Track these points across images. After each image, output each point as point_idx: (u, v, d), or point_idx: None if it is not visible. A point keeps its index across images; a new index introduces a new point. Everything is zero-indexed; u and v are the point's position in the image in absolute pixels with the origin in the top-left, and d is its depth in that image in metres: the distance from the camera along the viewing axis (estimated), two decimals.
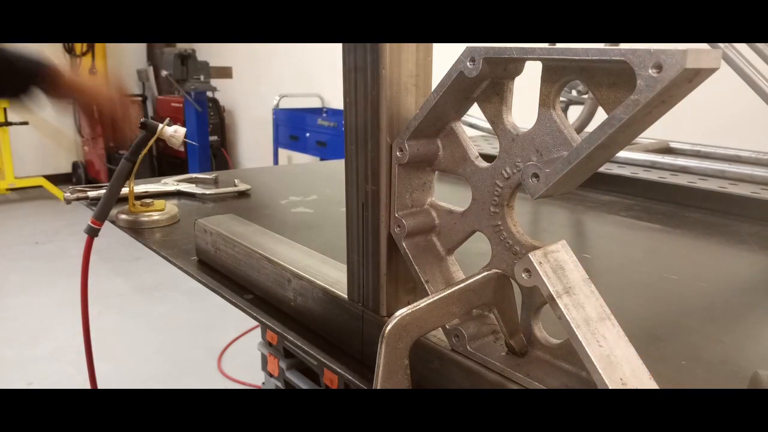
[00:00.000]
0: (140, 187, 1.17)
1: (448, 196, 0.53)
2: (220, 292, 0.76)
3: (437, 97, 0.47)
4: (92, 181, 5.98)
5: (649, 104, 0.34)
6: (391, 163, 0.52)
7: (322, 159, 3.91)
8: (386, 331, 0.43)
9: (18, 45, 0.82)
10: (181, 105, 4.77)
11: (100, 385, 1.16)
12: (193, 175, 1.28)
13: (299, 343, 0.64)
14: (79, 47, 6.04)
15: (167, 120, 0.98)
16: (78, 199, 1.11)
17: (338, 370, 0.59)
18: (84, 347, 1.08)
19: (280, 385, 1.60)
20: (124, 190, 0.97)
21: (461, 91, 0.47)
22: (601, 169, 1.11)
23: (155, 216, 1.01)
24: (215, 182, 1.25)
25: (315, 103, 4.56)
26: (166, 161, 5.77)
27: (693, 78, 0.34)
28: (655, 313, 0.66)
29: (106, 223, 0.98)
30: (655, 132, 0.68)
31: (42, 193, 5.70)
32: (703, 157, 1.30)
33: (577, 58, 0.38)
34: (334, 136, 3.85)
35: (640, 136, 0.55)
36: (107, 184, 0.97)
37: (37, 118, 6.03)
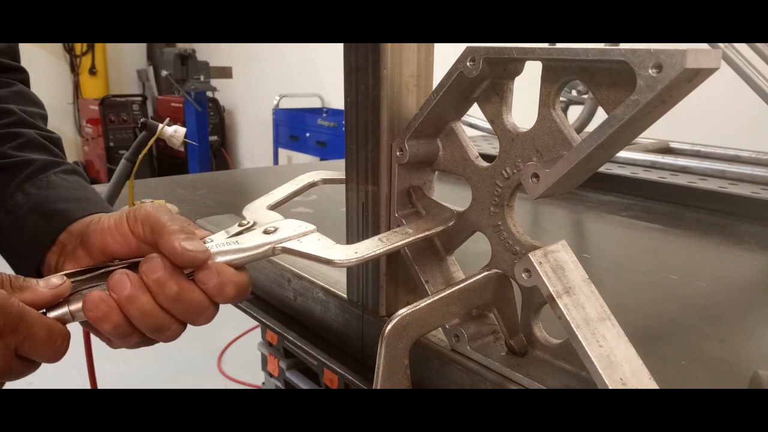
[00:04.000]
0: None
1: (448, 196, 0.53)
2: None
3: (437, 97, 0.47)
4: (92, 181, 5.97)
5: (649, 104, 0.34)
6: (392, 163, 0.52)
7: (322, 159, 3.90)
8: (386, 331, 0.43)
9: None
10: (181, 105, 4.77)
11: (100, 385, 1.16)
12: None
13: (299, 343, 0.64)
14: (79, 47, 6.04)
15: (167, 120, 0.98)
16: None
17: (338, 370, 0.59)
18: (84, 347, 1.08)
19: (280, 385, 1.60)
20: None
21: (461, 91, 0.47)
22: (601, 169, 1.11)
23: None
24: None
25: (315, 103, 4.56)
26: (166, 161, 5.77)
27: (693, 78, 0.34)
28: (655, 313, 0.66)
29: None
30: (655, 132, 0.68)
31: None
32: (703, 157, 1.30)
33: (577, 58, 0.38)
34: (334, 136, 3.84)
35: (640, 136, 0.55)
36: (107, 184, 0.97)
37: None
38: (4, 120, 0.65)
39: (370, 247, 0.47)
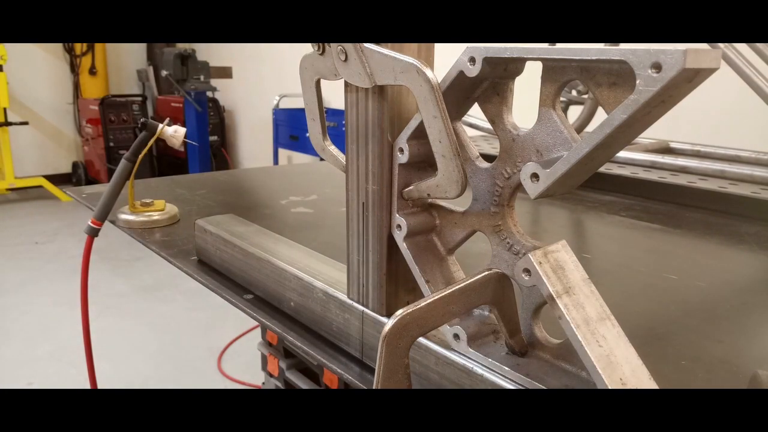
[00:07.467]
0: None
1: None
2: (220, 292, 0.76)
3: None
4: (92, 181, 5.98)
5: (649, 104, 0.34)
6: (392, 163, 0.52)
7: (322, 159, 3.90)
8: (386, 331, 0.43)
9: None
10: (181, 105, 4.78)
11: (100, 385, 1.16)
12: None
13: (299, 343, 0.64)
14: (79, 47, 6.04)
15: (167, 120, 0.98)
16: None
17: (338, 370, 0.59)
18: (84, 347, 1.08)
19: (280, 385, 1.60)
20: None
21: (462, 91, 0.47)
22: (601, 169, 1.11)
23: (155, 216, 1.01)
24: None
25: None
26: (166, 161, 5.77)
27: (693, 78, 0.34)
28: (655, 313, 0.66)
29: (106, 223, 0.98)
30: (655, 132, 0.68)
31: (42, 193, 5.70)
32: (703, 157, 1.30)
33: (577, 58, 0.38)
34: (334, 136, 3.82)
35: (640, 136, 0.55)
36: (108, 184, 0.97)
37: (37, 118, 6.04)
38: None
39: None
